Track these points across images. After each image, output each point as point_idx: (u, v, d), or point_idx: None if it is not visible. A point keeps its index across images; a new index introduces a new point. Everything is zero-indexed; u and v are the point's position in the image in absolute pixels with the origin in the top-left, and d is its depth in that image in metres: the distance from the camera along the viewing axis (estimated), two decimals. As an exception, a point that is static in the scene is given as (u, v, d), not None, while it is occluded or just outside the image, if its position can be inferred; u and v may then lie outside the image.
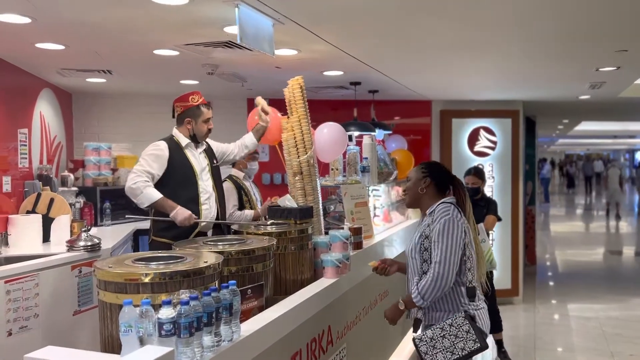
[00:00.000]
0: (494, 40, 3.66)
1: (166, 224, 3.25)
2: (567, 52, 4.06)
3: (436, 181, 2.60)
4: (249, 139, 3.78)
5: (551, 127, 12.69)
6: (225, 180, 4.36)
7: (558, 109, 8.24)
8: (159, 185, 3.27)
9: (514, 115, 6.72)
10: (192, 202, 3.30)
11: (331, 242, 3.20)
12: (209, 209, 3.38)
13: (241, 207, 4.19)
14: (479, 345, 2.40)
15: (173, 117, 3.46)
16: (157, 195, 3.19)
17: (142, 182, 3.17)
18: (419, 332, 2.49)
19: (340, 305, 2.97)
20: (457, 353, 2.38)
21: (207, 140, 3.55)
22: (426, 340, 2.42)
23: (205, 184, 3.39)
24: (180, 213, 3.19)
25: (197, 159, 3.40)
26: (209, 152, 3.54)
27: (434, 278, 2.40)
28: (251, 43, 2.64)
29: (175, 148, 3.33)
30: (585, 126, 12.57)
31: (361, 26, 3.28)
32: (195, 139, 3.40)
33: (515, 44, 3.83)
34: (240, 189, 4.27)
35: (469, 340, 2.39)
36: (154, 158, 3.27)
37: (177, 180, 3.30)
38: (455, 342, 2.39)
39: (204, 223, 3.33)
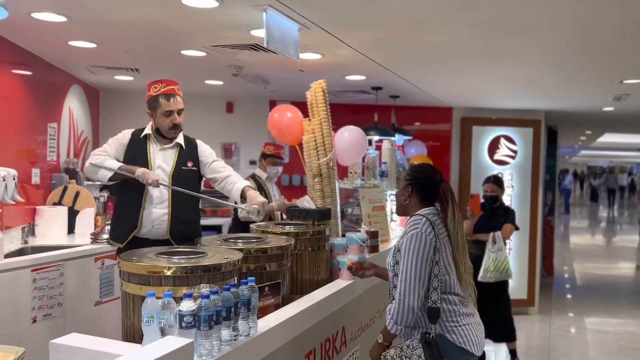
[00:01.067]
0: (517, 48, 3.67)
1: (113, 222, 3.03)
2: (591, 63, 4.05)
3: (419, 189, 2.39)
4: (235, 192, 3.09)
5: (573, 138, 12.55)
6: (248, 178, 4.47)
7: (581, 119, 8.16)
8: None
9: (535, 125, 6.68)
10: (135, 200, 2.89)
11: (348, 245, 3.25)
12: (150, 217, 2.90)
13: None
14: None
15: None
16: (114, 164, 2.88)
17: (100, 156, 2.90)
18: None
19: (355, 307, 3.01)
20: None
21: (203, 146, 3.14)
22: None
23: (162, 180, 2.92)
24: (147, 173, 2.83)
25: (156, 154, 2.98)
26: (188, 153, 3.05)
27: (400, 299, 2.21)
28: (277, 46, 2.71)
29: (137, 137, 3.01)
30: (608, 138, 12.40)
31: (385, 32, 3.32)
32: (162, 134, 2.99)
33: (539, 53, 3.83)
34: (259, 189, 4.37)
35: None
36: (112, 141, 3.01)
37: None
38: None
39: (169, 187, 2.91)
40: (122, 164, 2.91)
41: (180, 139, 3.03)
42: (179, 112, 2.95)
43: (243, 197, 3.03)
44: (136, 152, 2.97)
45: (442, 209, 2.38)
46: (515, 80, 4.95)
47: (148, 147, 2.99)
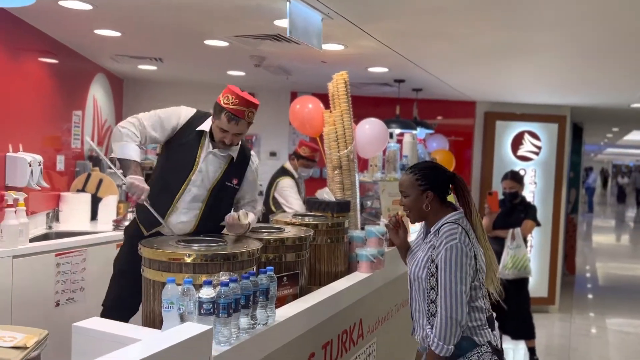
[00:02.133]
0: (546, 42, 3.60)
1: (142, 207, 2.55)
2: (620, 58, 3.95)
3: (438, 191, 2.24)
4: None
5: (599, 135, 12.30)
6: (287, 177, 4.39)
7: (608, 116, 7.99)
8: (161, 151, 2.71)
9: (561, 121, 6.56)
10: (168, 195, 2.55)
11: (367, 237, 3.24)
12: (177, 218, 2.57)
13: None
14: None
15: None
16: (135, 156, 2.50)
17: (132, 134, 2.52)
18: None
19: (373, 300, 3.00)
20: None
21: (254, 167, 2.82)
22: None
23: (191, 190, 2.57)
24: (134, 183, 2.41)
25: (207, 157, 2.61)
26: (237, 168, 2.70)
27: (447, 315, 2.06)
28: (300, 37, 2.69)
29: (194, 125, 2.63)
30: (636, 136, 12.12)
31: (409, 24, 3.28)
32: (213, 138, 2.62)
33: (567, 48, 3.75)
34: (297, 185, 4.41)
35: None
36: (165, 117, 2.61)
37: (173, 158, 2.62)
38: None
39: (159, 220, 2.51)
40: (136, 160, 2.50)
41: (234, 151, 2.67)
42: (237, 134, 2.58)
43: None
44: (187, 143, 2.59)
45: (462, 205, 2.26)
46: (542, 75, 4.86)
47: (202, 141, 2.60)
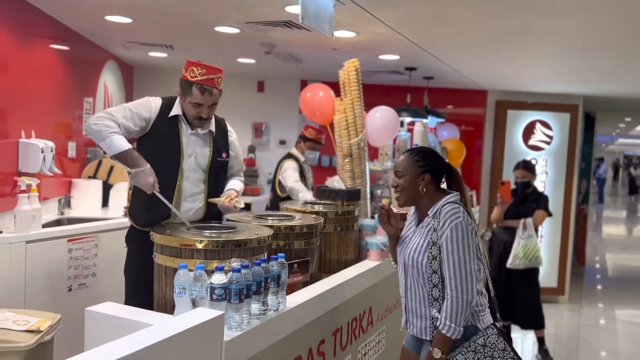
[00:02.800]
0: (559, 30, 3.55)
1: (140, 208, 2.56)
2: (635, 47, 3.89)
3: (435, 176, 2.19)
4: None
5: (611, 125, 12.16)
6: (289, 159, 4.46)
7: (621, 106, 7.89)
8: (137, 150, 2.58)
9: (573, 110, 6.49)
10: (166, 190, 2.49)
11: (377, 226, 3.24)
12: (184, 209, 2.55)
13: None
14: None
15: None
16: (125, 145, 2.44)
17: (105, 126, 2.44)
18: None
19: (382, 288, 3.01)
20: None
21: (233, 136, 2.82)
22: None
23: (188, 178, 2.57)
24: (142, 176, 2.41)
25: (189, 140, 2.59)
26: (220, 142, 2.70)
27: (457, 296, 2.00)
28: (312, 23, 2.68)
29: (166, 112, 2.57)
30: (649, 126, 11.98)
31: (422, 10, 3.25)
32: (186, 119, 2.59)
33: (582, 36, 3.70)
34: (301, 170, 4.43)
35: (507, 358, 2.05)
36: (136, 109, 2.54)
37: (156, 152, 2.53)
38: None
39: (174, 211, 2.49)
40: (130, 147, 2.45)
41: (211, 125, 2.65)
42: (212, 105, 2.55)
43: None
44: (167, 133, 2.54)
45: (459, 193, 2.19)
46: (555, 63, 4.80)
47: (179, 127, 2.57)
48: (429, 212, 2.14)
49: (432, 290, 2.09)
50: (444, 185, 2.25)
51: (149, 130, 2.55)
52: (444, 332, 2.02)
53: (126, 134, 2.51)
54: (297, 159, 4.50)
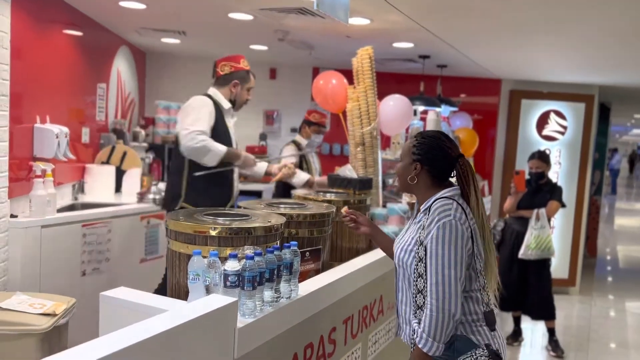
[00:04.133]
0: (577, 18, 3.49)
1: (203, 189, 3.00)
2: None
3: (430, 167, 1.89)
4: (258, 169, 3.46)
5: (627, 116, 12.01)
6: (289, 144, 4.52)
7: (637, 96, 7.78)
8: None
9: (588, 100, 6.41)
10: (227, 175, 3.09)
11: (389, 215, 3.24)
12: (236, 188, 3.25)
13: None
14: None
15: (213, 76, 3.16)
16: (223, 148, 2.96)
17: (204, 137, 2.93)
18: None
19: (393, 277, 3.00)
20: None
21: None
22: None
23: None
24: (246, 161, 3.12)
25: (232, 129, 3.18)
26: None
27: (438, 307, 1.72)
28: (327, 10, 2.65)
29: (216, 108, 3.05)
30: (665, 117, 11.81)
31: (437, -2, 3.21)
32: (234, 106, 3.17)
33: (599, 25, 3.64)
34: (301, 156, 4.41)
35: None
36: (204, 114, 2.96)
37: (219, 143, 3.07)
38: None
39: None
40: (226, 147, 2.99)
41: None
42: None
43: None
44: (221, 126, 3.03)
45: (463, 188, 1.87)
46: (571, 53, 4.73)
47: (226, 121, 3.10)
48: (421, 207, 1.92)
49: (416, 297, 1.82)
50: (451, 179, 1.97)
51: (213, 126, 3.03)
52: (420, 346, 1.76)
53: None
54: (298, 145, 4.50)
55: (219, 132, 3.00)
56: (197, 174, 2.99)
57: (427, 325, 1.75)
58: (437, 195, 1.86)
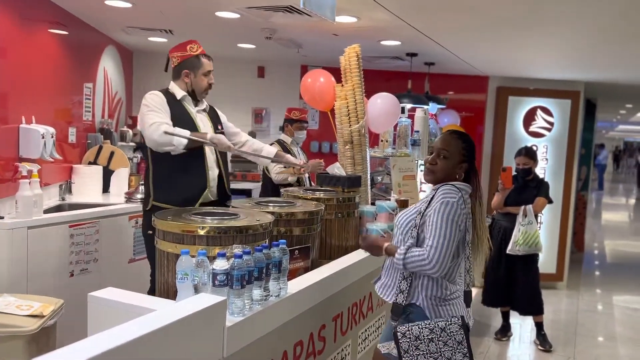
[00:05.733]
0: (563, 15, 3.53)
1: (170, 186, 2.85)
2: (636, 32, 3.87)
3: (470, 167, 2.21)
4: (267, 151, 3.30)
5: (612, 112, 12.13)
6: (273, 143, 4.52)
7: (622, 92, 7.87)
8: None
9: (574, 97, 6.47)
10: (198, 163, 2.85)
11: (377, 212, 3.25)
12: (214, 178, 2.94)
13: None
14: None
15: (166, 70, 3.03)
16: (186, 131, 2.77)
17: (165, 125, 2.74)
18: (404, 325, 2.07)
19: (383, 273, 3.03)
20: None
21: (218, 111, 3.18)
22: (410, 338, 2.02)
23: (208, 147, 2.89)
24: (218, 137, 2.81)
25: (196, 117, 2.94)
26: (212, 116, 3.07)
27: (425, 260, 2.01)
28: (314, 8, 2.65)
29: (171, 100, 2.87)
30: (650, 112, 11.95)
31: (424, -4, 3.22)
32: (194, 95, 2.94)
33: (583, 21, 3.67)
34: (287, 153, 4.43)
35: (458, 352, 2.02)
36: (158, 107, 2.80)
37: None
38: (442, 349, 2.01)
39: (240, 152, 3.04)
40: (188, 131, 2.77)
41: (206, 102, 3.04)
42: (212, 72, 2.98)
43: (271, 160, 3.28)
44: (180, 116, 2.84)
45: (474, 189, 2.19)
46: (557, 50, 4.78)
47: (187, 109, 2.90)
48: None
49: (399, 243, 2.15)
50: None
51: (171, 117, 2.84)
52: (396, 256, 2.07)
53: None
54: (282, 143, 4.52)
55: (178, 118, 2.82)
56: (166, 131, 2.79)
57: (412, 258, 2.04)
58: (445, 184, 2.13)
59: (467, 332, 2.06)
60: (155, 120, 2.73)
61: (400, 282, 2.13)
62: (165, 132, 2.70)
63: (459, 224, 2.04)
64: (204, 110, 3.01)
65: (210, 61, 2.95)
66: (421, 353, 2.01)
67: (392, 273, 2.22)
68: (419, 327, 2.03)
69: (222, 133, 3.03)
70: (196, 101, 2.96)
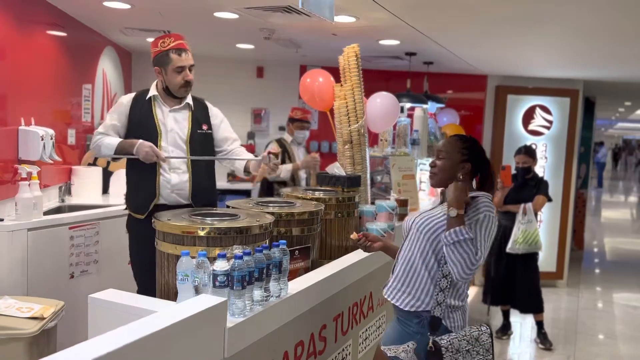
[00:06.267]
0: (560, 13, 3.53)
1: (130, 186, 2.85)
2: (635, 30, 3.87)
3: (475, 168, 2.15)
4: (239, 164, 2.99)
5: (611, 110, 12.14)
6: (272, 141, 4.55)
7: (621, 90, 7.87)
8: None
9: (573, 95, 6.48)
10: (149, 167, 2.72)
11: (377, 212, 3.25)
12: (168, 183, 2.74)
13: None
14: None
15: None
16: (115, 140, 2.72)
17: (99, 136, 2.77)
18: (443, 338, 2.04)
19: (383, 273, 3.02)
20: None
21: (214, 110, 2.98)
22: (452, 352, 2.02)
23: (172, 152, 2.76)
24: (140, 148, 2.65)
25: (167, 117, 2.78)
26: (200, 115, 2.87)
27: (472, 260, 1.98)
28: (312, 8, 2.65)
29: (141, 100, 2.79)
30: (649, 110, 11.95)
31: (422, -5, 3.22)
32: (171, 93, 2.78)
33: (582, 19, 3.67)
34: (284, 152, 4.46)
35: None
36: (113, 110, 2.81)
37: (136, 136, 2.74)
38: (474, 359, 2.05)
39: (172, 159, 2.76)
40: (120, 139, 2.73)
41: (189, 99, 2.84)
42: (191, 68, 2.76)
43: (246, 171, 2.98)
44: (141, 117, 2.75)
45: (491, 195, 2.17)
46: (555, 48, 4.78)
47: (154, 109, 2.76)
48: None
49: (440, 281, 2.07)
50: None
51: (127, 122, 2.80)
52: (463, 228, 1.98)
53: (120, 134, 2.81)
54: (282, 142, 4.53)
55: (135, 121, 2.75)
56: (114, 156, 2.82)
57: (464, 250, 1.98)
58: (479, 193, 2.10)
59: (492, 339, 2.09)
60: (99, 130, 2.79)
61: (438, 295, 2.07)
62: (91, 147, 2.82)
63: (492, 236, 2.08)
64: (183, 108, 2.82)
65: (181, 56, 2.71)
66: None
67: (408, 277, 2.14)
68: (457, 340, 2.02)
69: (208, 133, 2.87)
70: (174, 99, 2.80)
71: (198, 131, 2.82)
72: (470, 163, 2.13)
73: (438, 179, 2.17)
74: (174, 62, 2.70)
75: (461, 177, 2.11)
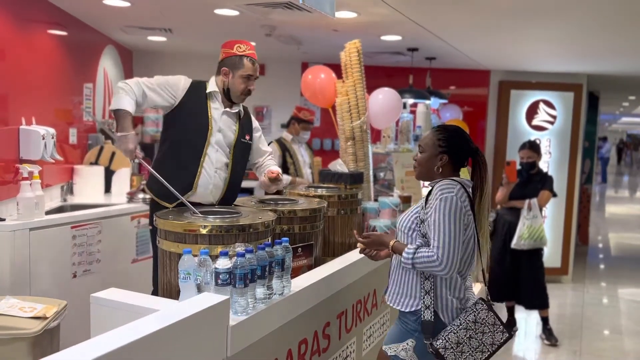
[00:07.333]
0: (565, 7, 3.50)
1: (164, 173, 2.61)
2: (639, 23, 3.84)
3: (454, 159, 2.09)
4: (261, 178, 2.90)
5: (615, 104, 12.08)
6: (272, 142, 4.48)
7: (625, 84, 7.83)
8: (164, 126, 2.78)
9: (576, 90, 6.44)
10: (192, 160, 2.65)
11: (380, 209, 3.24)
12: (208, 181, 2.67)
13: (285, 169, 4.32)
14: (507, 334, 2.04)
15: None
16: (127, 105, 2.56)
17: (124, 85, 2.63)
18: (438, 339, 1.97)
19: (386, 270, 2.99)
20: (487, 350, 1.99)
21: (256, 122, 2.98)
22: (452, 347, 1.95)
23: (217, 150, 2.70)
24: (124, 140, 2.54)
25: (220, 117, 2.74)
26: (246, 124, 2.86)
27: (435, 262, 1.93)
28: (313, 4, 2.63)
29: (198, 90, 2.75)
30: (653, 104, 11.89)
31: (424, -10, 3.20)
32: (229, 97, 2.76)
33: (585, 12, 3.64)
34: (284, 151, 4.41)
35: (497, 332, 2.01)
36: (162, 85, 2.68)
37: (185, 125, 2.68)
38: (483, 340, 1.98)
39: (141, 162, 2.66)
40: (128, 109, 2.55)
41: (241, 107, 2.84)
42: (255, 78, 2.80)
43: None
44: (196, 108, 2.69)
45: (477, 182, 2.08)
46: (559, 42, 4.74)
47: (209, 105, 2.72)
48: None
49: (424, 283, 2.02)
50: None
51: (176, 107, 2.70)
52: (404, 255, 1.98)
53: (149, 104, 2.68)
54: (282, 142, 4.48)
55: (190, 109, 2.69)
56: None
57: (421, 259, 1.96)
58: (442, 179, 2.05)
59: (492, 309, 2.02)
60: (132, 86, 2.62)
61: (424, 297, 2.02)
62: (119, 87, 2.61)
63: (462, 218, 1.96)
64: (236, 113, 2.80)
65: (254, 65, 2.75)
66: (467, 354, 1.96)
67: (403, 279, 2.10)
68: (453, 333, 1.96)
69: (249, 144, 2.86)
70: (230, 102, 2.77)
71: (242, 140, 2.80)
72: (447, 155, 2.08)
73: (418, 172, 2.17)
74: (246, 69, 2.74)
75: (440, 169, 2.08)
